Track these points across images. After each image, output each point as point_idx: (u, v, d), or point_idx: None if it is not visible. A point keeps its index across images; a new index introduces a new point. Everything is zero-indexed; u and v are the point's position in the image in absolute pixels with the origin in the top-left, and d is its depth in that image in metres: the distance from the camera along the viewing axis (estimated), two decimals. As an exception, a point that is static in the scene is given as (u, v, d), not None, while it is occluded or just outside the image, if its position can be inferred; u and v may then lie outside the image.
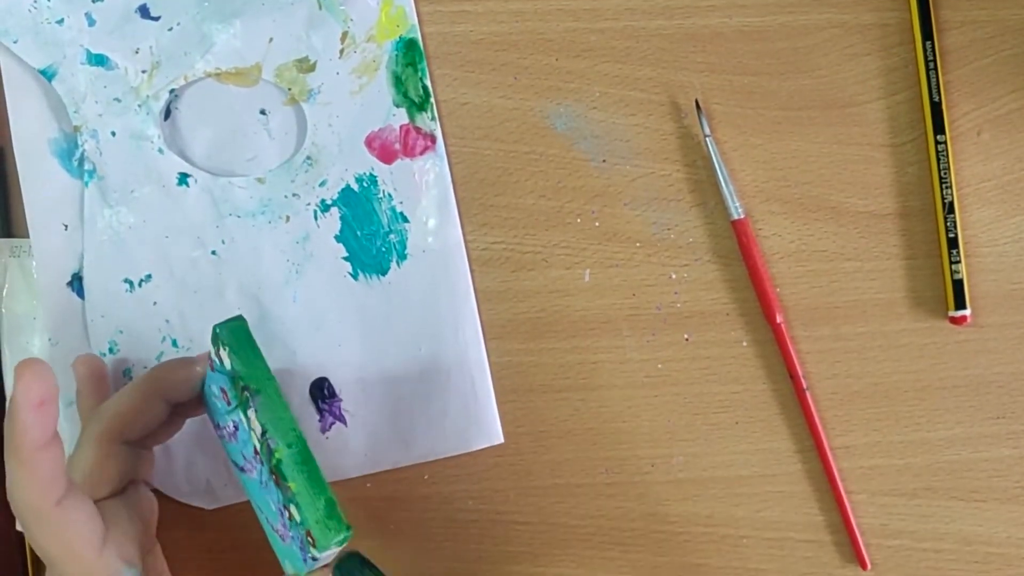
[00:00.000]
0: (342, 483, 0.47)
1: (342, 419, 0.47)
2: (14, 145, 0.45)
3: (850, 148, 0.48)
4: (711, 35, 0.48)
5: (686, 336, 0.48)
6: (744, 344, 0.48)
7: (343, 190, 0.47)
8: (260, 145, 0.47)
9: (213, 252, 0.46)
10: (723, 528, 0.48)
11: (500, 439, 0.47)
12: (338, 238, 0.47)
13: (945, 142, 0.47)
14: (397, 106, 0.47)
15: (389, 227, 0.47)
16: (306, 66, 0.46)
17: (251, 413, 0.37)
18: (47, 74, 0.45)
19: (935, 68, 0.47)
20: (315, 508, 0.36)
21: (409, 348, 0.47)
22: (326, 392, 0.46)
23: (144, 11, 0.45)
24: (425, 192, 0.47)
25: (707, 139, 0.47)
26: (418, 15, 0.47)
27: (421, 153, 0.47)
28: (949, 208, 0.47)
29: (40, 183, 0.45)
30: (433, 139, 0.47)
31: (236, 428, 0.39)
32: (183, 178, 0.46)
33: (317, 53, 0.46)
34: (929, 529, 0.49)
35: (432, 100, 0.47)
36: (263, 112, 0.47)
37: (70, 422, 0.45)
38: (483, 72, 0.47)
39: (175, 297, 0.46)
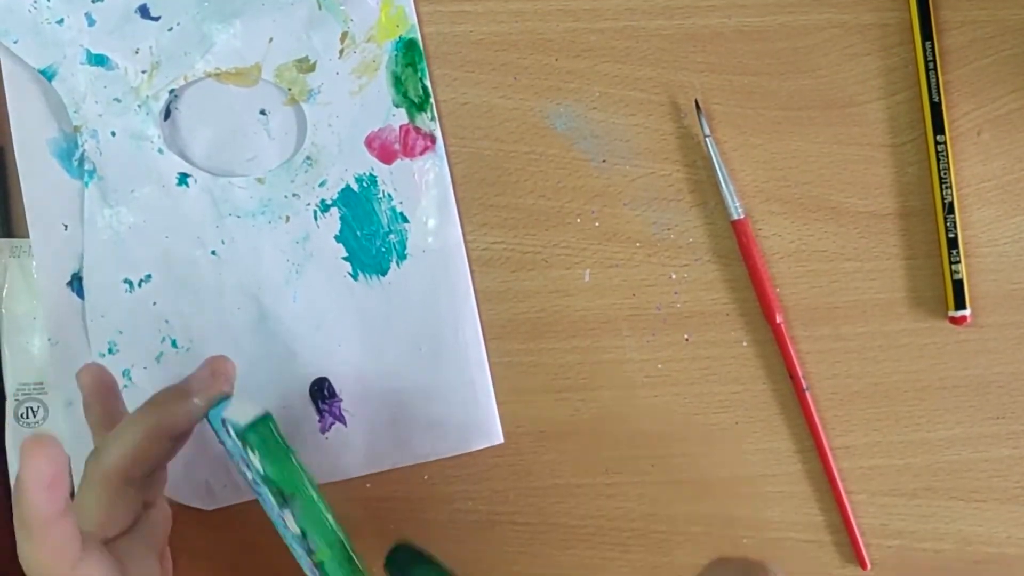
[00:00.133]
0: (342, 483, 0.47)
1: (342, 419, 0.47)
2: (14, 145, 0.45)
3: (850, 148, 0.48)
4: (711, 35, 0.48)
5: (686, 336, 0.48)
6: (744, 344, 0.48)
7: (343, 190, 0.47)
8: (260, 145, 0.47)
9: (213, 252, 0.46)
10: (723, 528, 0.48)
11: (500, 439, 0.47)
12: (338, 238, 0.47)
13: (945, 142, 0.47)
14: (397, 106, 0.47)
15: (389, 227, 0.47)
16: (306, 66, 0.46)
17: (287, 514, 0.36)
18: (47, 74, 0.45)
19: (935, 68, 0.47)
20: None
21: (409, 348, 0.47)
22: (326, 392, 0.46)
23: (144, 11, 0.45)
24: (425, 192, 0.47)
25: (707, 139, 0.47)
26: (418, 15, 0.47)
27: (421, 153, 0.47)
28: (949, 208, 0.47)
29: (40, 183, 0.45)
30: (433, 139, 0.47)
31: (259, 493, 0.38)
32: (183, 178, 0.46)
33: (317, 53, 0.46)
34: (929, 529, 0.49)
35: (432, 100, 0.47)
36: (263, 112, 0.47)
37: (70, 423, 0.45)
38: (483, 72, 0.47)
39: (175, 297, 0.46)
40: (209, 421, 0.39)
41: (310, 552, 0.36)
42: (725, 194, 0.47)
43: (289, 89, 0.46)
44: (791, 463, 0.48)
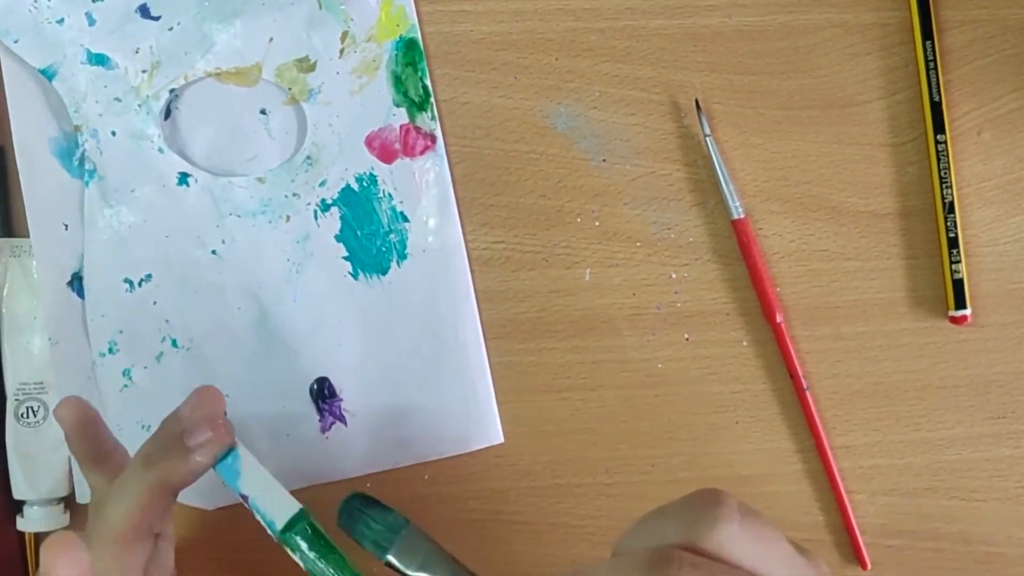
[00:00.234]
0: (342, 483, 0.47)
1: (342, 419, 0.47)
2: (14, 144, 0.45)
3: (850, 148, 0.48)
4: (711, 34, 0.48)
5: (686, 336, 0.48)
6: (744, 344, 0.48)
7: (343, 190, 0.47)
8: (260, 145, 0.47)
9: (213, 252, 0.46)
10: (723, 528, 0.48)
11: (500, 439, 0.47)
12: (338, 238, 0.47)
13: (945, 142, 0.47)
14: (397, 106, 0.47)
15: (389, 227, 0.47)
16: (306, 66, 0.46)
17: None
18: (47, 74, 0.45)
19: (935, 68, 0.47)
20: None
21: (409, 348, 0.47)
22: (326, 392, 0.46)
23: (144, 11, 0.45)
24: (425, 192, 0.47)
25: (707, 139, 0.47)
26: (418, 15, 0.47)
27: (421, 153, 0.47)
28: (949, 208, 0.47)
29: (40, 183, 0.45)
30: (433, 139, 0.47)
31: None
32: (183, 178, 0.46)
33: (317, 53, 0.46)
34: (929, 529, 0.49)
35: (432, 100, 0.47)
36: (263, 112, 0.47)
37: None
38: (483, 72, 0.47)
39: (175, 297, 0.46)
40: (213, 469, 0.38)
41: None
42: (725, 194, 0.47)
43: (289, 89, 0.46)
44: (791, 463, 0.48)
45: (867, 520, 0.48)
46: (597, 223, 0.48)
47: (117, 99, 0.45)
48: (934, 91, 0.47)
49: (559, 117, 0.48)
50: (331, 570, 0.36)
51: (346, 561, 0.36)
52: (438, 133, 0.47)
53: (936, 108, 0.47)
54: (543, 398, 0.48)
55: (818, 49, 0.48)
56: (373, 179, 0.47)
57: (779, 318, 0.47)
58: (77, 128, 0.45)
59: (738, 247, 0.47)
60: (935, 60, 0.47)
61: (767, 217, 0.48)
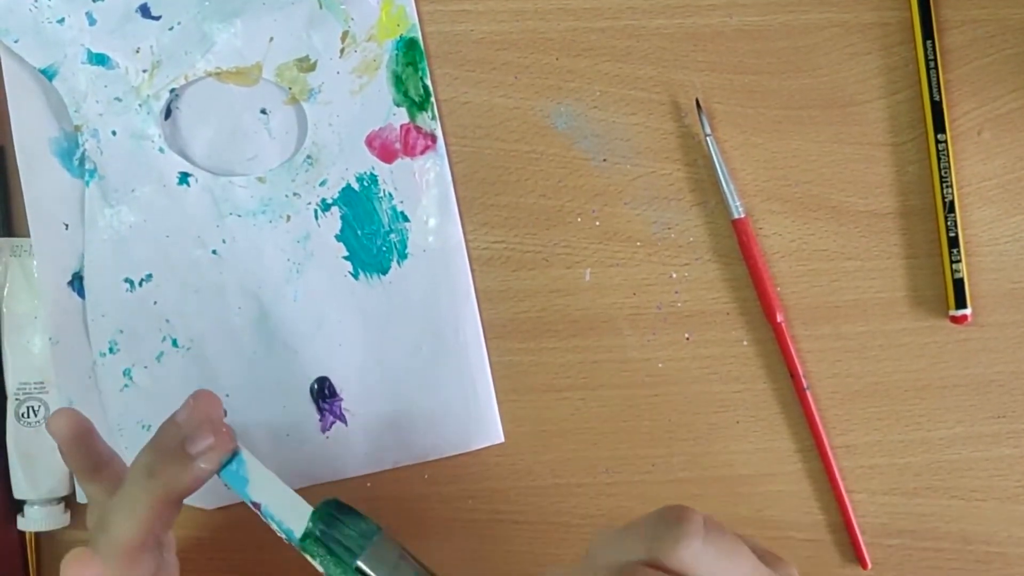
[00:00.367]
0: (342, 483, 0.47)
1: (342, 418, 0.47)
2: (15, 144, 0.45)
3: (851, 147, 0.48)
4: (712, 34, 0.48)
5: (687, 335, 0.48)
6: (744, 343, 0.48)
7: (344, 189, 0.47)
8: (261, 144, 0.47)
9: (214, 251, 0.46)
10: (724, 527, 0.48)
11: (500, 438, 0.47)
12: (339, 237, 0.47)
13: (946, 141, 0.47)
14: (398, 105, 0.47)
15: (390, 226, 0.47)
16: (307, 65, 0.46)
17: None
18: (48, 73, 0.45)
19: (935, 67, 0.47)
20: None
21: (409, 347, 0.47)
22: (327, 391, 0.46)
23: (145, 10, 0.45)
24: (425, 191, 0.47)
25: (708, 138, 0.47)
26: (419, 14, 0.47)
27: (421, 152, 0.47)
28: (949, 207, 0.47)
29: (41, 182, 0.45)
30: (433, 138, 0.47)
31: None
32: (184, 177, 0.46)
33: (318, 52, 0.46)
34: (929, 528, 0.49)
35: (432, 99, 0.47)
36: (264, 111, 0.47)
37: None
38: (484, 71, 0.47)
39: (175, 296, 0.46)
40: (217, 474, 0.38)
41: None
42: (726, 193, 0.47)
43: (290, 88, 0.46)
44: (791, 462, 0.48)
45: (867, 520, 0.48)
46: (597, 223, 0.48)
47: (117, 99, 0.45)
48: (934, 90, 0.47)
49: (559, 117, 0.48)
50: (351, 572, 0.36)
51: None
52: (438, 133, 0.47)
53: (936, 107, 0.47)
54: (543, 398, 0.48)
55: (818, 49, 0.48)
56: (373, 179, 0.47)
57: (779, 318, 0.47)
58: (77, 128, 0.45)
59: (738, 247, 0.47)
60: (935, 60, 0.47)
61: (767, 217, 0.48)
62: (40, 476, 0.45)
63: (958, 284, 0.47)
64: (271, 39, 0.46)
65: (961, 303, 0.47)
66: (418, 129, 0.47)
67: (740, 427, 0.48)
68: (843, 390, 0.48)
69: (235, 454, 0.37)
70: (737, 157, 0.48)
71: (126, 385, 0.46)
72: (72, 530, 0.46)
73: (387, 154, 0.47)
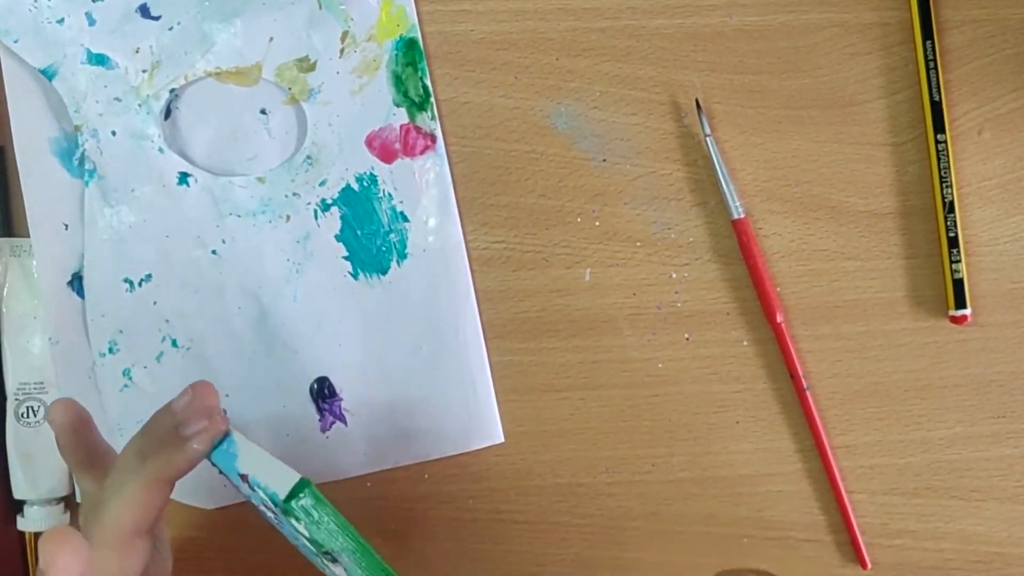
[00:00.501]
0: (342, 483, 0.47)
1: (342, 418, 0.47)
2: (15, 144, 0.45)
3: (850, 147, 0.48)
4: (712, 34, 0.48)
5: (687, 335, 0.48)
6: (744, 343, 0.48)
7: (343, 189, 0.47)
8: (260, 144, 0.47)
9: (213, 251, 0.46)
10: (724, 528, 0.48)
11: (500, 438, 0.47)
12: (338, 237, 0.47)
13: (945, 141, 0.47)
14: (397, 105, 0.47)
15: (389, 226, 0.47)
16: (306, 65, 0.46)
17: (338, 568, 0.36)
18: (48, 73, 0.45)
19: (935, 67, 0.47)
20: None
21: (409, 347, 0.47)
22: (326, 391, 0.46)
23: (144, 10, 0.45)
24: (425, 191, 0.47)
25: (707, 138, 0.47)
26: (418, 14, 0.47)
27: (421, 152, 0.47)
28: (949, 207, 0.47)
29: (41, 182, 0.45)
30: (433, 138, 0.47)
31: (286, 533, 0.38)
32: (183, 177, 0.46)
33: (317, 52, 0.46)
34: (929, 528, 0.49)
35: (432, 99, 0.47)
36: (263, 111, 0.47)
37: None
38: (483, 71, 0.47)
39: (175, 297, 0.46)
40: (208, 458, 0.38)
41: None
42: (725, 193, 0.47)
43: (289, 88, 0.46)
44: (792, 462, 0.48)
45: (867, 520, 0.48)
46: (597, 223, 0.48)
47: (117, 99, 0.45)
48: (934, 91, 0.47)
49: (559, 117, 0.48)
50: (337, 536, 0.36)
51: (350, 527, 0.36)
52: (438, 133, 0.47)
53: (936, 108, 0.47)
54: (543, 398, 0.48)
55: (818, 49, 0.48)
56: (373, 179, 0.47)
57: (779, 318, 0.47)
58: (77, 128, 0.45)
59: (738, 247, 0.47)
60: (935, 60, 0.47)
61: (767, 217, 0.48)
62: (40, 476, 0.45)
63: (958, 284, 0.47)
64: (271, 39, 0.46)
65: (961, 303, 0.47)
66: (418, 129, 0.47)
67: (740, 427, 0.48)
68: (843, 390, 0.48)
69: (227, 436, 0.37)
70: (737, 157, 0.48)
71: (126, 385, 0.46)
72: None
73: (387, 154, 0.47)
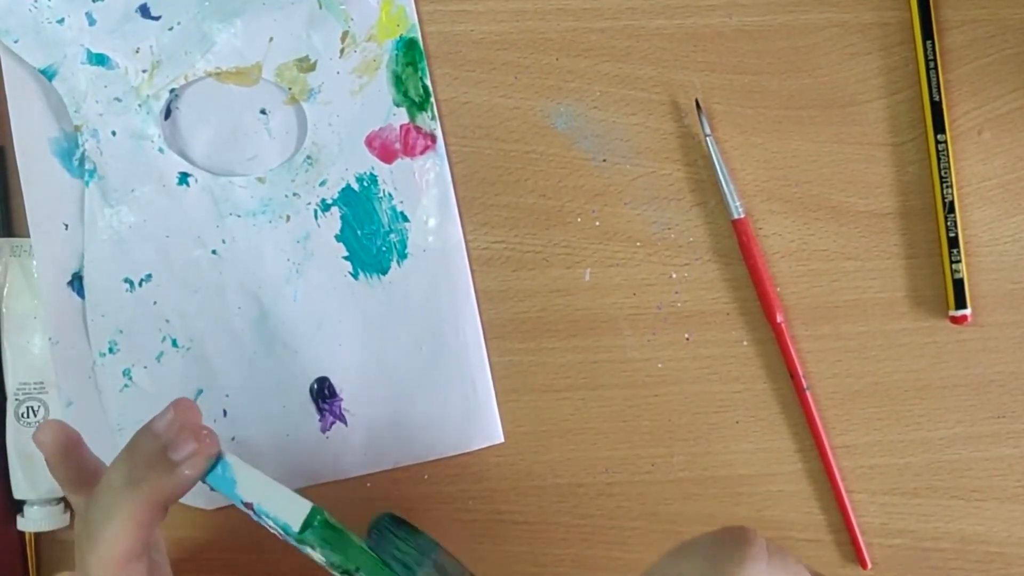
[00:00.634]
0: (342, 483, 0.47)
1: (342, 418, 0.47)
2: (15, 144, 0.45)
3: (851, 147, 0.48)
4: (712, 34, 0.48)
5: (687, 335, 0.48)
6: (744, 343, 0.48)
7: (343, 189, 0.47)
8: (260, 144, 0.47)
9: (213, 251, 0.46)
10: (724, 527, 0.48)
11: (500, 439, 0.47)
12: (338, 237, 0.47)
13: (945, 141, 0.47)
14: (397, 105, 0.47)
15: (389, 226, 0.47)
16: (306, 65, 0.46)
17: None
18: (48, 73, 0.45)
19: (935, 67, 0.47)
20: None
21: (409, 347, 0.47)
22: (326, 391, 0.46)
23: (144, 10, 0.45)
24: (425, 191, 0.47)
25: (707, 138, 0.47)
26: (418, 14, 0.47)
27: (421, 152, 0.47)
28: (949, 207, 0.47)
29: (41, 182, 0.45)
30: (433, 138, 0.47)
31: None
32: (183, 177, 0.46)
33: (317, 52, 0.46)
34: (929, 528, 0.49)
35: (432, 99, 0.47)
36: (263, 111, 0.47)
37: (70, 423, 0.45)
38: (483, 71, 0.47)
39: (175, 297, 0.46)
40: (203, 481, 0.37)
41: None
42: (725, 193, 0.47)
43: (289, 88, 0.46)
44: (791, 462, 0.48)
45: (867, 520, 0.48)
46: (597, 223, 0.48)
47: (117, 99, 0.45)
48: (934, 91, 0.47)
49: (559, 117, 0.48)
50: (353, 557, 0.36)
51: (365, 550, 0.36)
52: (438, 133, 0.47)
53: (936, 108, 0.47)
54: (543, 398, 0.48)
55: (818, 49, 0.48)
56: (373, 179, 0.47)
57: (779, 318, 0.47)
58: (77, 128, 0.45)
59: (738, 247, 0.47)
60: (935, 60, 0.47)
61: (767, 217, 0.48)
62: (40, 476, 0.45)
63: (958, 284, 0.47)
64: (271, 39, 0.46)
65: (961, 303, 0.47)
66: (418, 129, 0.47)
67: (740, 427, 0.48)
68: (843, 390, 0.48)
69: (219, 458, 0.36)
70: (737, 157, 0.48)
71: (126, 385, 0.46)
72: (71, 530, 0.46)
73: (387, 154, 0.47)
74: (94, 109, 0.45)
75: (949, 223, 0.47)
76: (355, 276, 0.47)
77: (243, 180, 0.46)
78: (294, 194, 0.46)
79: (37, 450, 0.45)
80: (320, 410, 0.47)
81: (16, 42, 0.44)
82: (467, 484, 0.48)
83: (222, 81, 0.46)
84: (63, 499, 0.46)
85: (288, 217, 0.46)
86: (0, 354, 0.46)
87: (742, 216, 0.47)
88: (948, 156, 0.47)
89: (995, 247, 0.48)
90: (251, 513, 0.36)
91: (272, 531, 0.37)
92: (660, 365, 0.48)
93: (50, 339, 0.45)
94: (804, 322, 0.48)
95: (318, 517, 0.35)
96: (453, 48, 0.47)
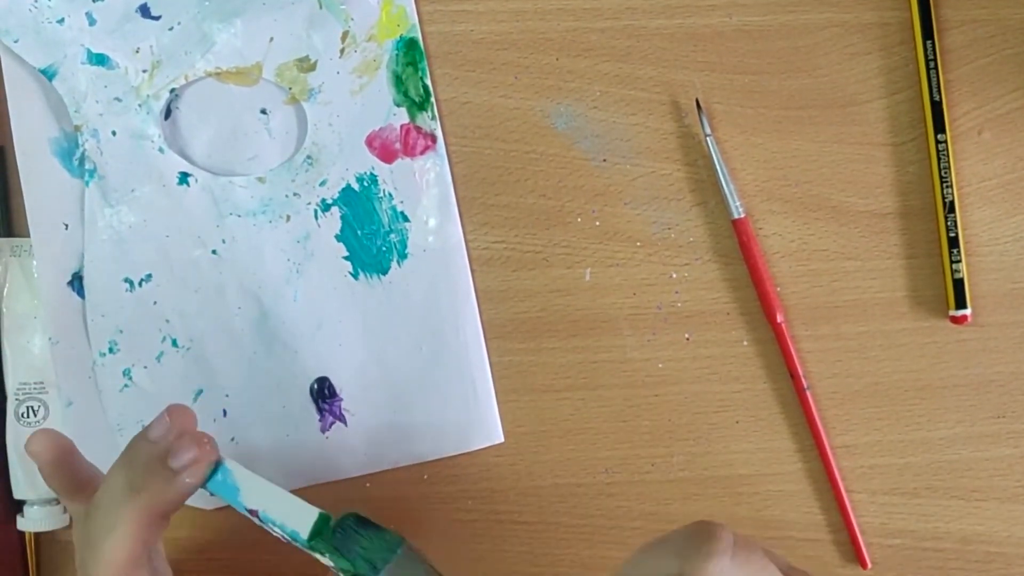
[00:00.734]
0: (342, 483, 0.47)
1: (342, 418, 0.47)
2: (15, 144, 0.45)
3: (851, 147, 0.48)
4: (712, 34, 0.48)
5: (687, 335, 0.48)
6: (745, 343, 0.48)
7: (344, 189, 0.47)
8: (260, 144, 0.47)
9: (214, 251, 0.46)
10: (724, 527, 0.48)
11: (500, 439, 0.47)
12: (339, 237, 0.47)
13: (946, 141, 0.47)
14: (398, 105, 0.47)
15: (390, 226, 0.47)
16: (307, 65, 0.46)
17: None
18: (48, 73, 0.45)
19: (936, 67, 0.47)
20: None
21: (409, 348, 0.47)
22: (326, 391, 0.46)
23: (145, 10, 0.45)
24: (425, 191, 0.47)
25: (708, 138, 0.47)
26: (419, 14, 0.47)
27: (422, 152, 0.47)
28: (950, 207, 0.47)
29: (41, 182, 0.45)
30: (433, 138, 0.47)
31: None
32: (184, 177, 0.46)
33: (318, 52, 0.46)
34: (929, 528, 0.49)
35: (432, 99, 0.47)
36: (263, 111, 0.47)
37: (70, 423, 0.45)
38: (484, 71, 0.47)
39: (175, 297, 0.46)
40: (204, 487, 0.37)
41: None
42: (726, 193, 0.47)
43: (290, 88, 0.46)
44: (791, 462, 0.48)
45: (867, 520, 0.48)
46: (597, 223, 0.48)
47: (117, 99, 0.45)
48: (934, 91, 0.47)
49: (559, 117, 0.48)
50: (366, 559, 0.36)
51: (373, 551, 0.36)
52: (438, 133, 0.47)
53: (936, 108, 0.47)
54: (543, 398, 0.48)
55: (818, 49, 0.48)
56: (373, 179, 0.47)
57: (779, 318, 0.47)
58: (77, 128, 0.45)
59: (738, 247, 0.47)
60: (935, 60, 0.47)
61: (767, 217, 0.48)
62: (39, 476, 0.45)
63: (958, 284, 0.47)
64: (271, 39, 0.46)
65: (961, 303, 0.47)
66: (418, 129, 0.47)
67: (740, 427, 0.48)
68: (843, 390, 0.48)
69: (218, 464, 0.36)
70: (737, 157, 0.48)
71: (126, 385, 0.46)
72: (71, 530, 0.46)
73: (387, 154, 0.47)
74: (94, 109, 0.45)
75: (949, 223, 0.47)
76: (355, 276, 0.47)
77: (243, 180, 0.46)
78: (294, 194, 0.46)
79: (37, 450, 0.45)
80: (320, 410, 0.47)
81: (16, 42, 0.44)
82: (467, 484, 0.48)
83: (222, 81, 0.46)
84: (63, 499, 0.46)
85: (288, 217, 0.46)
86: (0, 354, 0.46)
87: (742, 216, 0.47)
88: (948, 156, 0.47)
89: (995, 247, 0.48)
90: (255, 519, 0.36)
91: (276, 535, 0.37)
92: (660, 365, 0.48)
93: (50, 339, 0.45)
94: (804, 322, 0.48)
95: (327, 523, 0.36)
96: (453, 48, 0.47)
